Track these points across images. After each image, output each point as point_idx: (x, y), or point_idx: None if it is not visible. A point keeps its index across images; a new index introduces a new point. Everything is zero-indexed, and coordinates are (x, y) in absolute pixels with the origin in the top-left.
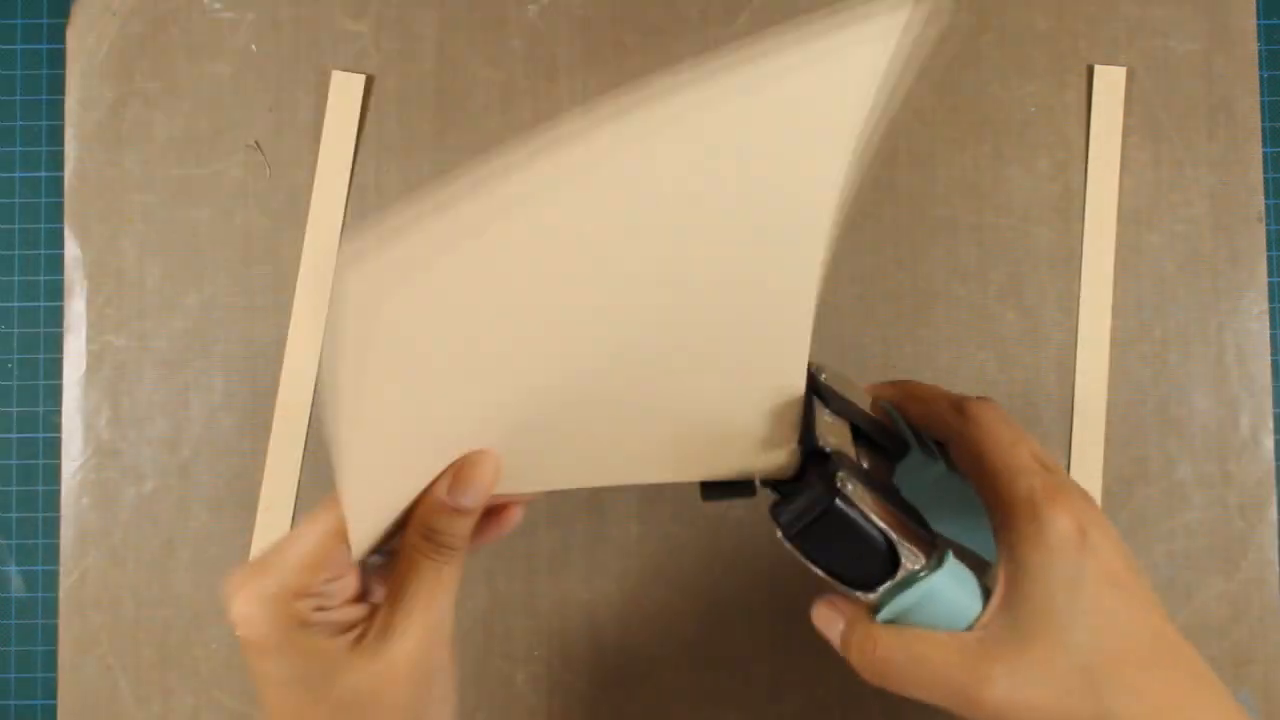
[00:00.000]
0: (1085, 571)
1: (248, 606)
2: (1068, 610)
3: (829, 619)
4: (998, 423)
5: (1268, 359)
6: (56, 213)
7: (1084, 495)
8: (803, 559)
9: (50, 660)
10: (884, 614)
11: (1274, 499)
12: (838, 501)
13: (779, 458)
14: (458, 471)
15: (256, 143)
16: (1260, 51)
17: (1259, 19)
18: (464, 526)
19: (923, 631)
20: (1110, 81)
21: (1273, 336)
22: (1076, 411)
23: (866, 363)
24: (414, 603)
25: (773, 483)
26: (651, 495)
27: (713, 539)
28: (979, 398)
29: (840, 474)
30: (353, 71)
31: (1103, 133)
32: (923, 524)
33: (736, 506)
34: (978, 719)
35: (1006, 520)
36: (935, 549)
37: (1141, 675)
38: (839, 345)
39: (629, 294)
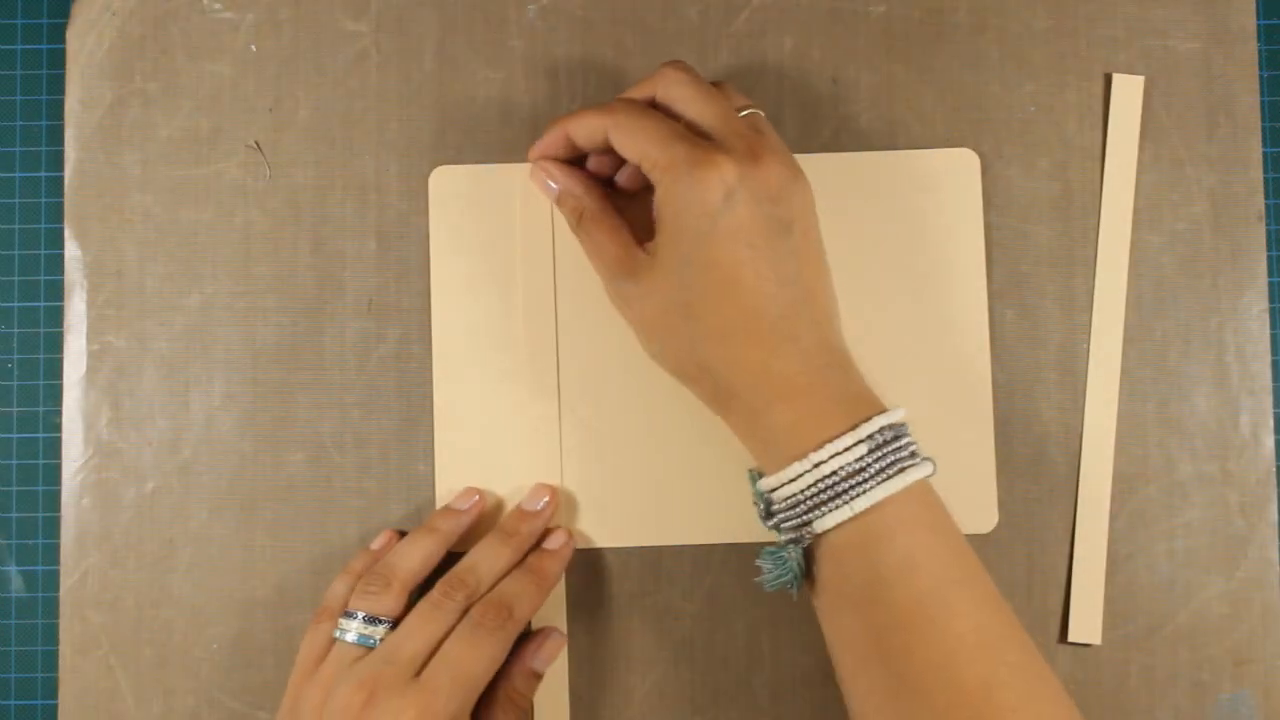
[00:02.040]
0: (713, 231)
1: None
2: (689, 254)
3: (542, 181)
4: (638, 109)
5: (1268, 359)
6: (56, 213)
7: (744, 165)
8: None
9: (50, 660)
10: None
11: (1274, 499)
12: None
13: None
14: (539, 645)
15: (256, 143)
16: (1260, 51)
17: (1259, 19)
18: (534, 687)
19: (615, 228)
20: (1128, 91)
21: (1273, 336)
22: (1088, 409)
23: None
24: None
25: None
26: None
27: None
28: (636, 87)
29: None
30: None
31: (1120, 141)
32: None
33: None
34: (624, 316)
35: (661, 184)
36: None
37: (727, 324)
38: None
39: None
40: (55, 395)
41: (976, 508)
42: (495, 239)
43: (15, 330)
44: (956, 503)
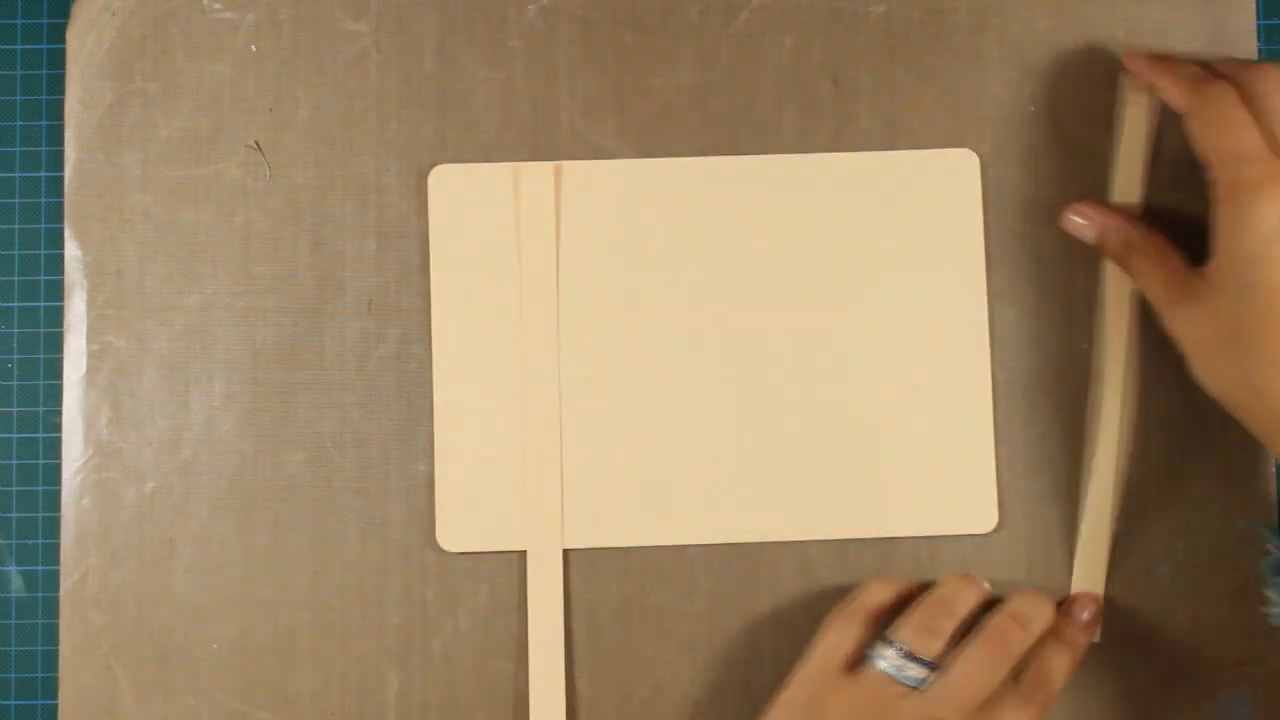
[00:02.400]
0: (1271, 253)
1: None
2: (1245, 278)
3: (1081, 228)
4: (1228, 106)
5: None
6: (56, 213)
7: None
8: None
9: (50, 660)
10: None
11: (1274, 498)
12: None
13: None
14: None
15: (256, 143)
16: (1260, 51)
17: (1259, 19)
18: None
19: (1166, 254)
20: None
21: None
22: (1089, 410)
23: None
24: None
25: None
26: None
27: None
28: (1234, 65)
29: None
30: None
31: (1130, 151)
32: None
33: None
34: (1178, 341)
35: (1222, 203)
36: None
37: None
38: None
39: None
40: (55, 395)
41: (976, 508)
42: (495, 239)
43: (15, 330)
44: (956, 503)
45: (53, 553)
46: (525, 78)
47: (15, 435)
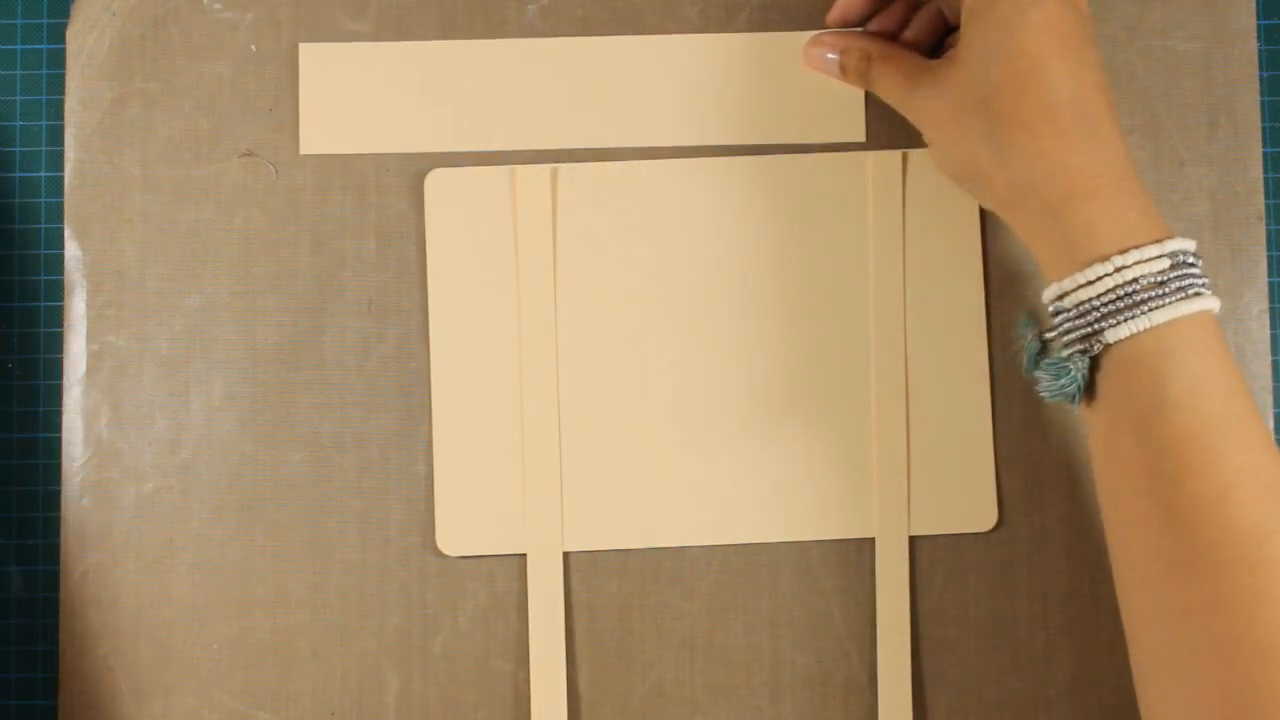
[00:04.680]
0: (1022, 23)
1: None
2: (996, 45)
3: (818, 56)
4: None
5: (1268, 359)
6: (56, 213)
7: None
8: None
9: (50, 660)
10: None
11: None
12: None
13: None
14: None
15: (249, 150)
16: (1260, 51)
17: (1259, 19)
18: None
19: (904, 55)
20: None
21: (1273, 336)
22: None
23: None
24: None
25: None
26: None
27: None
28: None
29: None
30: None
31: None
32: None
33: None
34: (919, 127)
35: None
36: None
37: (1030, 115)
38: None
39: None
40: (55, 395)
41: (976, 507)
42: (493, 240)
43: (15, 330)
44: (956, 502)
45: (53, 553)
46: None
47: (15, 435)
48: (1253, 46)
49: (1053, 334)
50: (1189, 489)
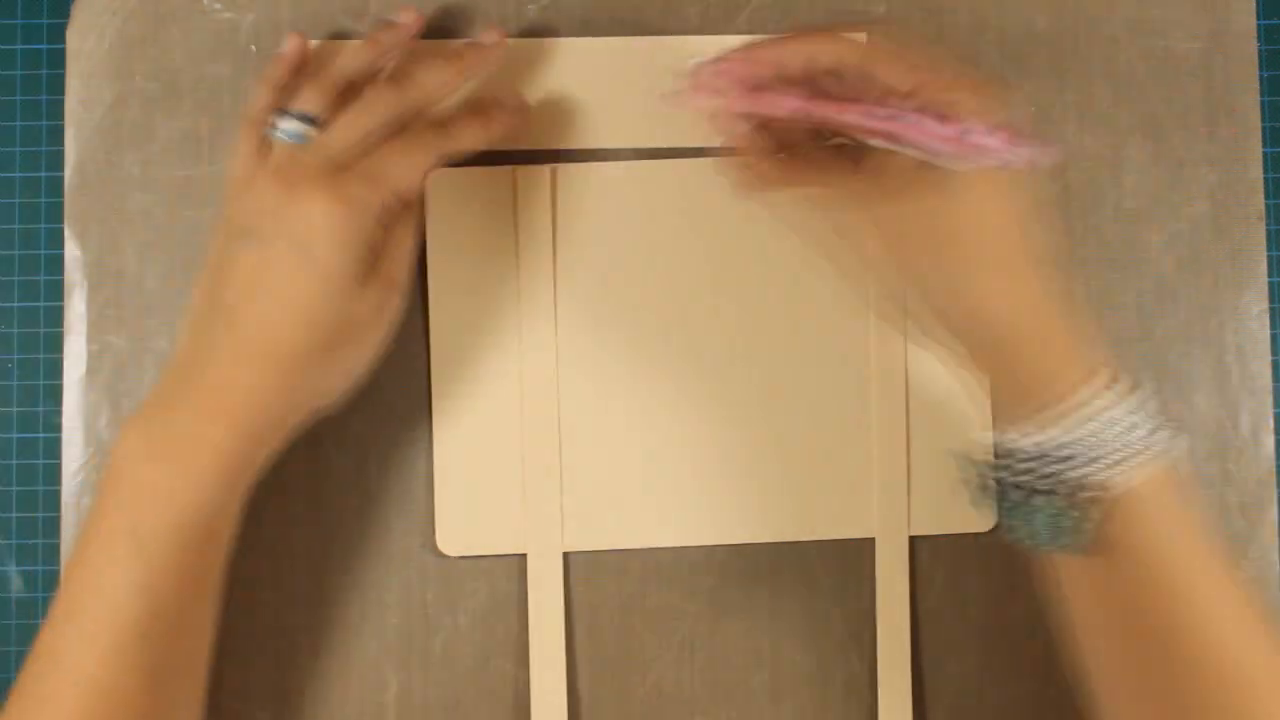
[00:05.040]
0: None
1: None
2: (959, 181)
3: (723, 130)
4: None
5: (1268, 359)
6: (56, 213)
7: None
8: None
9: None
10: None
11: (1274, 499)
12: None
13: None
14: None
15: None
16: (1260, 51)
17: (1259, 19)
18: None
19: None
20: None
21: (1273, 336)
22: None
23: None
24: (379, 263)
25: None
26: None
27: None
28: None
29: None
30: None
31: None
32: None
33: None
34: (881, 248)
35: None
36: None
37: (1001, 256)
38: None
39: None
40: (55, 395)
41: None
42: (493, 240)
43: (15, 330)
44: (956, 502)
45: (53, 553)
46: None
47: (15, 435)
48: (1253, 46)
49: (1024, 477)
50: (1190, 632)
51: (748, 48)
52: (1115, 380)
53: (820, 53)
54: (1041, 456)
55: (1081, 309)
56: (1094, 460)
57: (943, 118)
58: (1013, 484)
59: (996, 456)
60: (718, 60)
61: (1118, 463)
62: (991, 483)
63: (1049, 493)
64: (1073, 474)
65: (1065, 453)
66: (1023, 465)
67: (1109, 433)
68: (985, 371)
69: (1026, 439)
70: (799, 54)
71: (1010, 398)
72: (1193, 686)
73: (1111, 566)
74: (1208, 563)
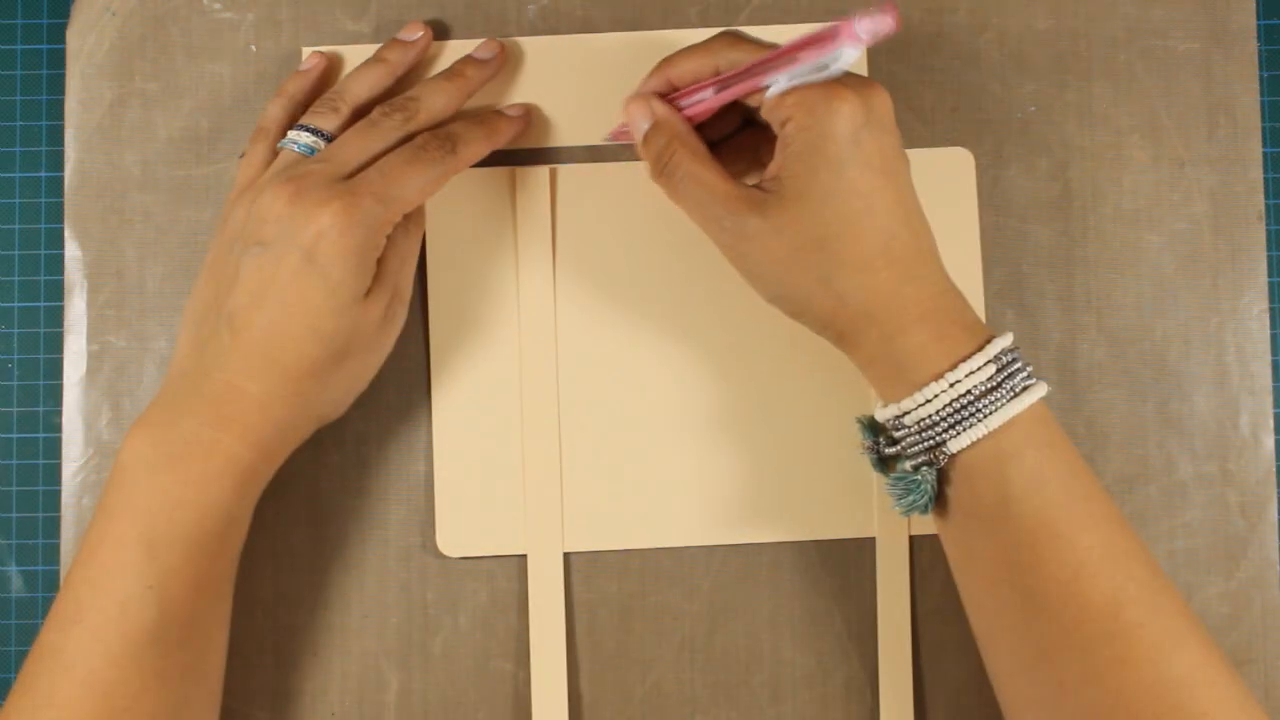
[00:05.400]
0: (851, 160)
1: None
2: (827, 186)
3: (641, 112)
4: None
5: (1268, 359)
6: (56, 213)
7: (865, 96)
8: None
9: None
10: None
11: (1274, 499)
12: None
13: None
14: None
15: (249, 150)
16: (1260, 51)
17: (1259, 19)
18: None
19: (716, 166)
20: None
21: (1273, 336)
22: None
23: None
24: (384, 275)
25: None
26: None
27: None
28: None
29: None
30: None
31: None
32: None
33: None
34: (737, 255)
35: (793, 113)
36: None
37: (867, 253)
38: None
39: None
40: (55, 395)
41: None
42: (492, 240)
43: (15, 330)
44: None
45: (53, 553)
46: None
47: (15, 435)
48: (1253, 46)
49: (894, 448)
50: (1044, 574)
51: (659, 68)
52: (979, 347)
53: (710, 57)
54: (900, 428)
55: (946, 279)
56: (931, 428)
57: (790, 48)
58: (889, 455)
59: (876, 431)
60: (645, 83)
61: (951, 427)
62: (872, 454)
63: (899, 459)
64: (918, 442)
65: (914, 423)
66: (895, 436)
67: (952, 404)
68: (862, 361)
69: (884, 413)
70: (697, 62)
71: (883, 377)
72: (1050, 629)
73: (963, 524)
74: (1061, 510)
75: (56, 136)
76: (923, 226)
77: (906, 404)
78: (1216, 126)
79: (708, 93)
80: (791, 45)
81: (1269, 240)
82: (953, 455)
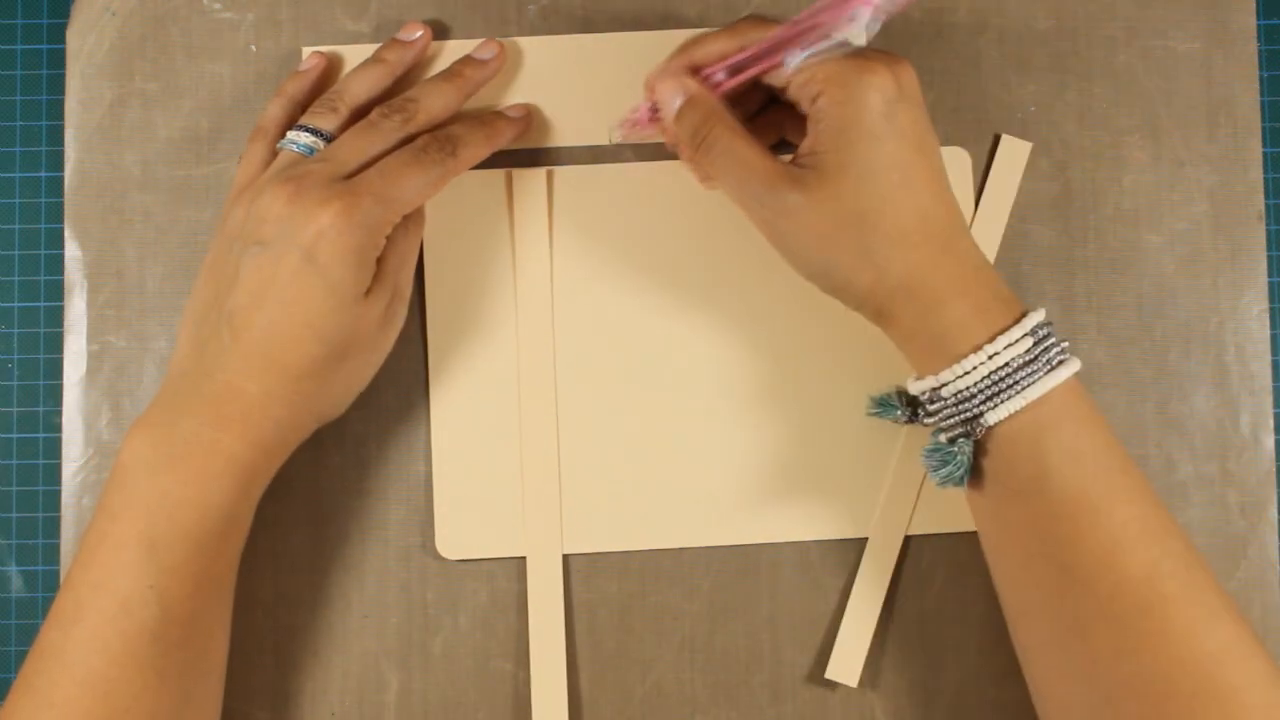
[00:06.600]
0: (887, 134)
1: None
2: (866, 160)
3: (674, 89)
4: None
5: (1268, 359)
6: (56, 213)
7: (894, 70)
8: None
9: None
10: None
11: (1274, 499)
12: None
13: None
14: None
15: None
16: (1260, 51)
17: (1259, 19)
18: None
19: (754, 142)
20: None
21: (1273, 336)
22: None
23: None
24: (384, 274)
25: None
26: None
27: None
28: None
29: None
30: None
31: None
32: None
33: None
34: (775, 232)
35: (824, 88)
36: None
37: (906, 226)
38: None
39: None
40: (55, 395)
41: None
42: (490, 241)
43: (15, 330)
44: (956, 502)
45: (53, 553)
46: None
47: (15, 435)
48: (1253, 46)
49: (932, 421)
50: (1081, 547)
51: (682, 49)
52: (1016, 320)
53: (736, 39)
54: (936, 400)
55: (979, 253)
56: (968, 400)
57: (807, 16)
58: (928, 426)
59: (912, 405)
60: (664, 65)
61: (989, 399)
62: (905, 419)
63: (939, 431)
64: (954, 414)
65: (951, 395)
66: (931, 409)
67: (990, 376)
68: (900, 336)
69: (919, 385)
70: (724, 44)
71: (921, 350)
72: (1086, 602)
73: (998, 496)
74: (1098, 483)
75: (56, 136)
76: (954, 201)
77: (945, 375)
78: (1216, 126)
79: (726, 72)
80: (808, 13)
81: (1269, 240)
82: (990, 427)
